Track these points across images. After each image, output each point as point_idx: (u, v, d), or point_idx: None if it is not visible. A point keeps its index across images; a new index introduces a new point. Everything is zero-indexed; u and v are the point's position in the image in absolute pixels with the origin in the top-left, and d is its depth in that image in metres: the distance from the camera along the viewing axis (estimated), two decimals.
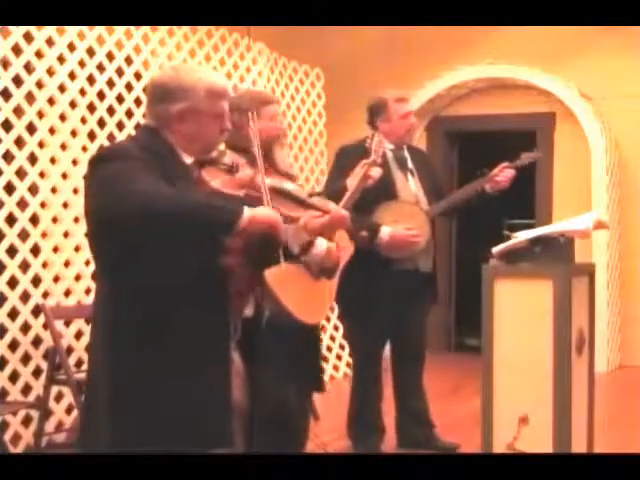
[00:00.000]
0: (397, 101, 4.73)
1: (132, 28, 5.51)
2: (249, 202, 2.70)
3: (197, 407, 2.62)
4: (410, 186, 4.72)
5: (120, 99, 5.44)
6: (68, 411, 4.97)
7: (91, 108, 5.25)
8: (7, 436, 4.64)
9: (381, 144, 4.24)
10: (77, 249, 5.13)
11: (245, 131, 3.58)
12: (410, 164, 4.77)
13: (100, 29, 5.26)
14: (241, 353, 2.83)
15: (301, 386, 3.73)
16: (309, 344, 3.71)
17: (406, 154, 4.78)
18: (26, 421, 4.79)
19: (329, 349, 7.03)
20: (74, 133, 5.15)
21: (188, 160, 2.74)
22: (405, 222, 4.56)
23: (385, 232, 4.51)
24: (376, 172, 4.23)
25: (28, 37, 4.86)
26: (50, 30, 4.96)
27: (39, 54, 4.93)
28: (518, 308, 3.82)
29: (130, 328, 2.62)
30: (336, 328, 7.09)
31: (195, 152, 2.75)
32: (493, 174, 4.71)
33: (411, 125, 4.75)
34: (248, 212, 2.54)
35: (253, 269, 2.78)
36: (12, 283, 4.78)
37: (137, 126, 5.49)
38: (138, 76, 5.58)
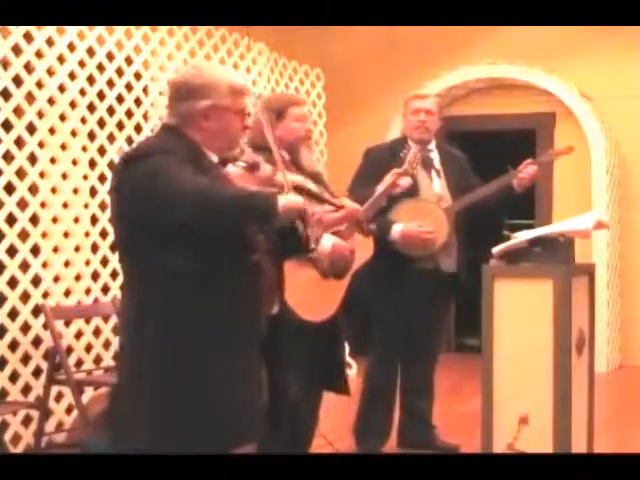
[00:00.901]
0: (413, 98, 4.79)
1: (132, 28, 5.51)
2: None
3: (228, 404, 2.67)
4: (434, 186, 4.70)
5: (120, 99, 5.44)
6: (68, 411, 4.97)
7: (91, 108, 5.24)
8: (7, 436, 4.63)
9: (416, 156, 4.23)
10: (77, 249, 5.13)
11: (272, 132, 3.62)
12: (437, 165, 4.76)
13: (100, 29, 5.25)
14: (263, 352, 2.86)
15: (311, 385, 3.72)
16: (322, 344, 3.70)
17: (433, 155, 4.77)
18: (26, 421, 4.79)
19: None
20: (74, 133, 5.14)
21: (214, 158, 2.80)
22: (422, 219, 4.54)
23: (396, 229, 4.49)
24: (405, 181, 4.22)
25: (28, 37, 4.85)
26: (50, 30, 4.96)
27: (39, 54, 4.93)
28: (518, 308, 3.82)
29: (177, 321, 2.66)
30: None
31: (219, 149, 2.80)
32: (517, 171, 4.67)
33: (420, 122, 4.69)
34: (280, 199, 2.62)
35: (277, 268, 2.83)
36: (12, 283, 4.78)
37: (136, 127, 5.49)
38: (138, 76, 5.58)
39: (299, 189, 2.89)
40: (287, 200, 2.64)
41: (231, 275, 2.67)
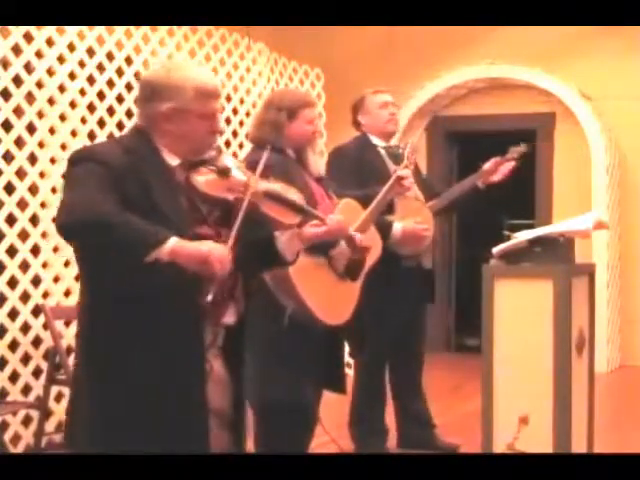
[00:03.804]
0: (374, 93, 4.80)
1: (132, 28, 5.51)
2: (237, 205, 2.65)
3: (169, 413, 2.60)
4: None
5: (120, 99, 5.44)
6: None
7: (91, 108, 5.25)
8: (7, 436, 4.64)
9: (414, 152, 4.23)
10: None
11: (280, 129, 3.61)
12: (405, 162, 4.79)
13: (100, 29, 5.26)
14: (224, 360, 2.78)
15: (317, 386, 3.73)
16: (330, 345, 3.70)
17: (400, 151, 4.79)
18: (26, 421, 4.79)
19: None
20: (74, 133, 5.15)
21: (173, 162, 2.68)
22: (412, 218, 4.55)
23: (398, 228, 4.49)
24: (409, 182, 4.23)
25: (28, 37, 4.86)
26: (50, 30, 4.96)
27: (39, 54, 4.93)
28: (518, 308, 3.82)
29: (101, 333, 2.60)
30: None
31: (183, 153, 2.69)
32: (487, 169, 4.76)
33: (391, 114, 4.73)
34: (172, 244, 2.43)
35: (235, 277, 2.74)
36: (12, 283, 4.78)
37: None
38: (138, 76, 5.58)
39: (274, 197, 2.75)
40: (183, 246, 2.44)
41: (158, 288, 2.55)
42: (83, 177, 2.52)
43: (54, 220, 2.55)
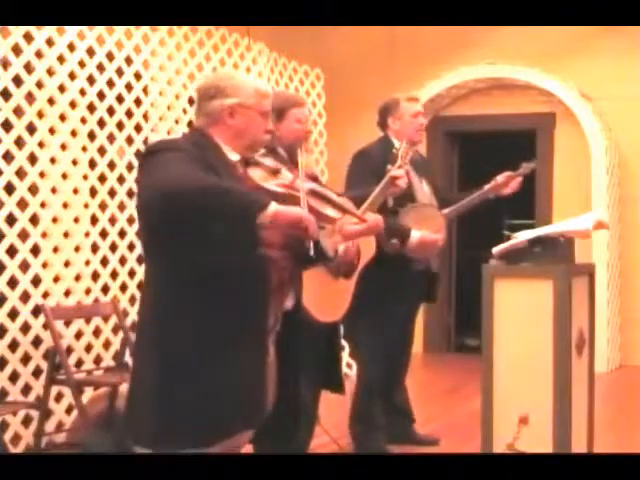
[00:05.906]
0: (409, 100, 4.86)
1: (132, 28, 5.51)
2: (289, 200, 2.80)
3: (231, 393, 2.74)
4: (424, 189, 4.80)
5: (120, 99, 5.44)
6: (68, 411, 4.97)
7: (91, 108, 5.24)
8: (7, 436, 4.63)
9: (408, 151, 4.27)
10: (77, 249, 5.13)
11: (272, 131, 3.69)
12: (421, 167, 4.84)
13: (100, 29, 5.26)
14: (276, 346, 2.91)
15: (315, 384, 3.74)
16: (327, 343, 3.73)
17: (417, 157, 4.83)
18: (26, 421, 4.79)
19: None
20: (74, 133, 5.14)
21: (234, 157, 2.91)
22: (426, 224, 4.63)
23: (415, 236, 4.56)
24: (403, 182, 4.26)
25: (28, 37, 4.86)
26: (50, 30, 4.96)
27: (39, 54, 4.93)
28: (518, 308, 3.82)
29: (171, 312, 2.76)
30: None
31: (242, 148, 2.92)
32: (501, 183, 4.91)
33: (420, 125, 4.82)
34: (275, 207, 2.63)
35: (295, 263, 2.90)
36: (12, 283, 4.78)
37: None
38: (138, 76, 5.58)
39: (319, 195, 2.95)
40: (284, 208, 2.66)
41: (230, 269, 2.73)
42: (168, 160, 2.73)
43: (137, 205, 2.79)
